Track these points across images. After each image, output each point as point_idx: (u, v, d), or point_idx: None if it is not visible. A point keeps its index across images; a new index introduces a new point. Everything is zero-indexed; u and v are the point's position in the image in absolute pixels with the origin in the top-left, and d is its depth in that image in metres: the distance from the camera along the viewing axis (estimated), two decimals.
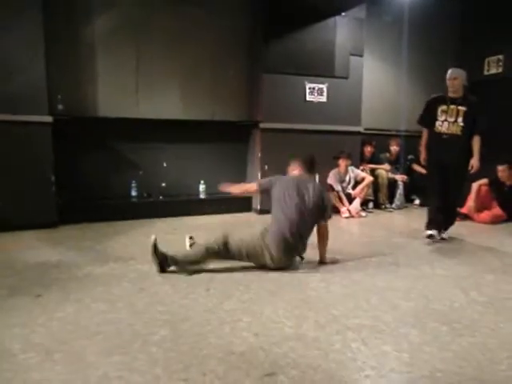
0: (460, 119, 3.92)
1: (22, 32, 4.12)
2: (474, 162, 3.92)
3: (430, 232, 4.00)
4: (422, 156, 4.21)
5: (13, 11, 4.06)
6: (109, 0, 4.79)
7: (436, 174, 4.06)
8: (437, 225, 4.06)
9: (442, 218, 4.09)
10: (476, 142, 3.94)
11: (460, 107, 3.93)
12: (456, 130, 3.94)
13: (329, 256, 3.33)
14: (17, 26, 4.09)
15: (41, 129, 4.26)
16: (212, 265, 3.15)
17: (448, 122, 3.96)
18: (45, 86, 4.27)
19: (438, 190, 4.05)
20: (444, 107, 3.98)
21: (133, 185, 5.14)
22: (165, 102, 5.15)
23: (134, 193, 5.14)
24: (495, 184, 5.23)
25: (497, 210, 5.15)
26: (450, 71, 4.04)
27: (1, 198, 4.15)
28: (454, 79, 3.97)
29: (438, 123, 4.00)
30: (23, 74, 4.14)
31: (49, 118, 4.28)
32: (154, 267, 3.07)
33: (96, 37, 4.79)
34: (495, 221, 5.05)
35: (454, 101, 3.96)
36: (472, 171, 3.97)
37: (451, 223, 4.22)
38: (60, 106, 4.58)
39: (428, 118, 4.09)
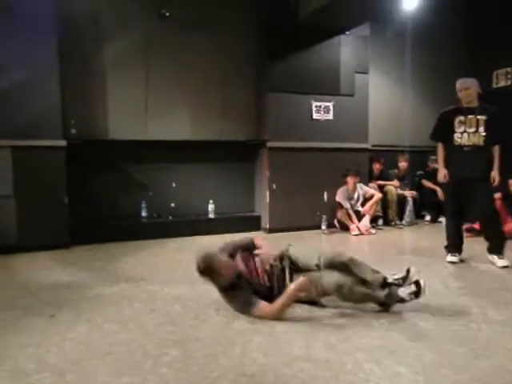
0: (481, 129, 3.69)
1: (36, 59, 4.26)
2: (495, 175, 3.74)
3: (451, 259, 3.88)
4: (441, 173, 3.87)
5: (27, 39, 4.21)
6: (119, 26, 4.94)
7: (453, 192, 3.86)
8: (456, 248, 3.94)
9: (461, 238, 3.97)
10: (496, 153, 3.77)
11: (479, 116, 3.72)
12: (478, 140, 3.70)
13: None
14: (32, 53, 4.23)
15: (55, 153, 4.37)
16: None
17: (468, 133, 3.73)
18: (59, 112, 4.39)
19: (455, 209, 3.89)
20: (461, 118, 3.76)
21: (143, 205, 5.19)
22: (173, 123, 5.24)
23: (144, 213, 5.18)
24: (509, 198, 5.16)
25: (511, 225, 5.06)
26: (460, 82, 3.86)
27: (17, 219, 4.25)
28: (466, 89, 3.78)
29: (456, 135, 3.76)
30: (39, 100, 4.27)
31: (63, 143, 4.39)
32: (164, 288, 3.10)
33: (106, 62, 4.93)
34: (509, 235, 4.96)
35: (471, 111, 3.75)
36: (494, 184, 3.77)
37: (501, 244, 3.83)
38: (73, 131, 4.69)
39: (442, 131, 3.86)
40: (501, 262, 3.75)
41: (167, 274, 3.55)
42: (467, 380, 1.86)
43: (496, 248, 3.84)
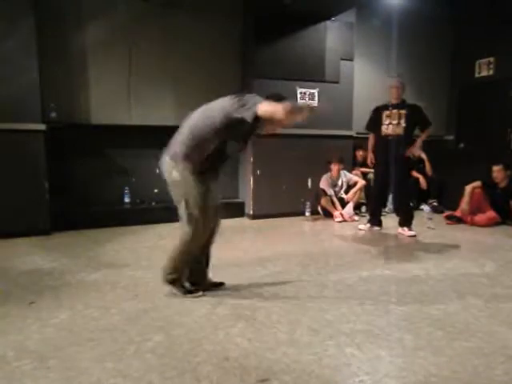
0: None
1: (14, 41, 4.11)
2: None
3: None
4: None
5: (5, 20, 4.07)
6: (100, 8, 4.79)
7: None
8: None
9: None
10: None
11: None
12: None
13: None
14: (9, 35, 4.09)
15: (34, 136, 4.25)
16: None
17: None
18: (38, 94, 4.27)
19: None
20: None
21: (125, 191, 5.13)
22: (157, 109, 5.15)
23: (126, 199, 5.12)
24: (488, 186, 5.27)
25: (490, 213, 5.17)
26: None
27: None
28: None
29: None
30: (16, 82, 4.14)
31: (42, 126, 4.28)
32: (147, 273, 3.08)
33: (88, 44, 4.80)
34: (489, 223, 5.08)
35: None
36: None
37: None
38: (53, 114, 4.57)
39: None
40: None
41: (150, 259, 3.53)
42: (445, 362, 1.91)
43: None
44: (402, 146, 4.39)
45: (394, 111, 4.39)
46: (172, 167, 2.54)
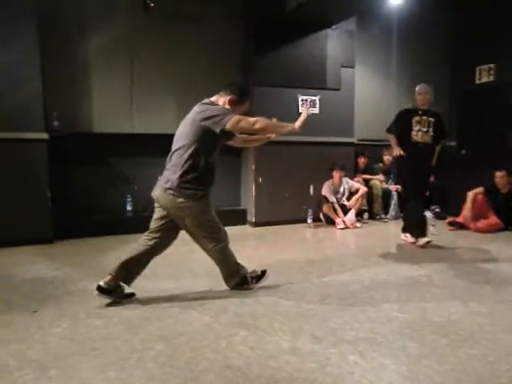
0: None
1: (17, 49, 4.16)
2: None
3: None
4: None
5: (8, 28, 4.11)
6: (103, 17, 4.84)
7: None
8: None
9: None
10: None
11: None
12: None
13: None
14: (12, 43, 4.13)
15: (37, 145, 4.28)
16: (207, 281, 3.15)
17: None
18: (41, 103, 4.30)
19: None
20: None
21: (128, 199, 5.14)
22: (159, 117, 5.18)
23: (129, 207, 5.13)
24: (491, 192, 5.26)
25: (493, 219, 5.16)
26: None
27: None
28: None
29: None
30: (19, 91, 4.17)
31: (45, 135, 4.31)
32: (149, 282, 3.07)
33: (90, 53, 4.84)
34: (491, 229, 5.06)
35: None
36: None
37: None
38: (55, 123, 4.60)
39: None
40: None
41: (152, 268, 3.49)
42: (450, 370, 1.89)
43: None
44: (430, 155, 4.29)
45: (424, 118, 4.21)
46: (178, 201, 2.84)
